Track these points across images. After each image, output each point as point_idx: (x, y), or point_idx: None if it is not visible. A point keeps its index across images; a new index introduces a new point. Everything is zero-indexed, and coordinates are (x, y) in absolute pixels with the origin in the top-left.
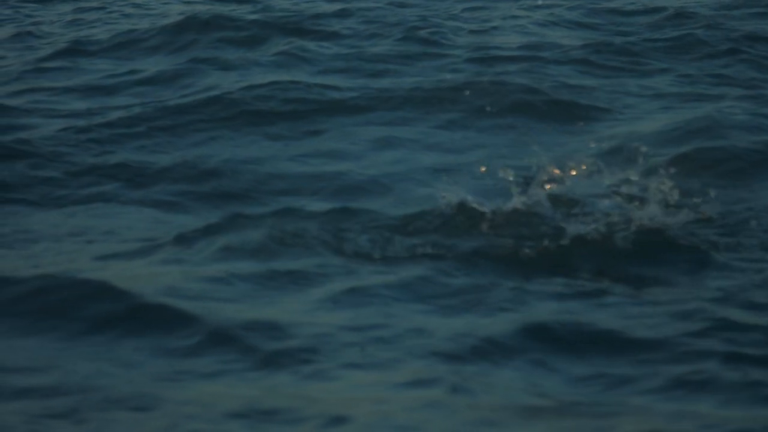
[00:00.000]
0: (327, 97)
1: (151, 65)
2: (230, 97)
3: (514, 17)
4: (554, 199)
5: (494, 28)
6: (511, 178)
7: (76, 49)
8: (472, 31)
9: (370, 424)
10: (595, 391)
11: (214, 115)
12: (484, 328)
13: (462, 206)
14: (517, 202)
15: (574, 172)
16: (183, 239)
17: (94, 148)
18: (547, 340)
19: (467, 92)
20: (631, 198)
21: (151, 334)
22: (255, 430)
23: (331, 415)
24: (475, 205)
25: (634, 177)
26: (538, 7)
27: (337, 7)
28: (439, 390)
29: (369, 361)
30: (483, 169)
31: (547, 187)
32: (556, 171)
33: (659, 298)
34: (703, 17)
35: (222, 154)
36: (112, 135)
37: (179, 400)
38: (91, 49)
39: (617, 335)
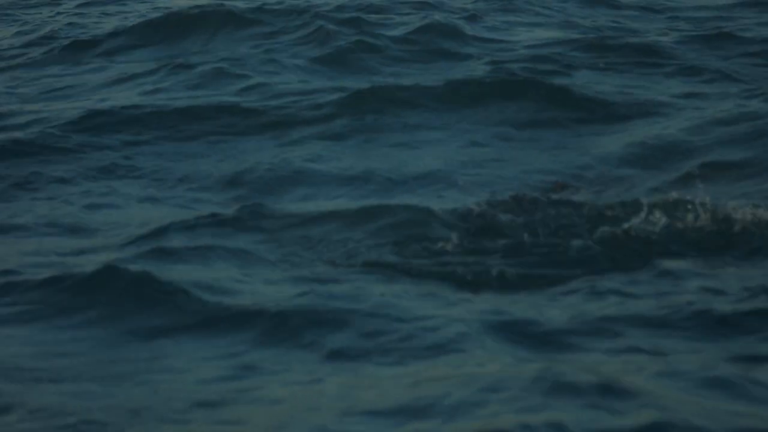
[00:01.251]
0: (347, 101)
1: (170, 63)
2: (250, 100)
3: (532, 13)
4: (585, 202)
5: (511, 23)
6: (546, 181)
7: (81, 46)
8: (488, 28)
9: (493, 408)
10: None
11: (237, 117)
12: (530, 319)
13: (493, 207)
14: (551, 204)
15: (609, 176)
16: (209, 238)
17: (110, 146)
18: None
19: (492, 94)
20: (672, 201)
21: (204, 331)
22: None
23: (447, 401)
24: (507, 207)
25: (676, 178)
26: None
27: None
28: (534, 375)
29: (431, 351)
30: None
31: (580, 190)
32: (589, 175)
33: (712, 298)
34: (715, 17)
35: (248, 157)
36: (132, 134)
37: (272, 398)
38: (104, 46)
39: (674, 323)
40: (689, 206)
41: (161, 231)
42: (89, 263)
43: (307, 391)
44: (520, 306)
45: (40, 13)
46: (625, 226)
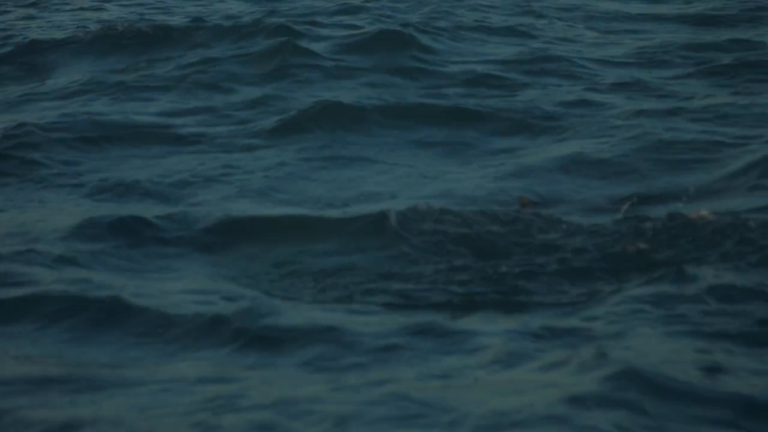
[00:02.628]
0: (287, 120)
1: (102, 80)
2: (184, 120)
3: (470, 27)
4: (550, 217)
5: (453, 35)
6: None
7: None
8: (432, 38)
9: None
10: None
11: (168, 136)
12: (514, 326)
13: (451, 225)
14: (516, 220)
15: (564, 194)
16: (166, 250)
17: (40, 162)
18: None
19: (435, 113)
20: (632, 216)
21: (176, 344)
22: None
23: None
24: (469, 224)
25: (631, 193)
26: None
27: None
28: (564, 372)
29: (407, 363)
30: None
31: (544, 206)
32: (548, 193)
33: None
34: (630, 30)
35: (185, 174)
36: (60, 151)
37: (258, 407)
38: (31, 60)
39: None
40: (648, 220)
41: (114, 246)
42: (42, 279)
43: (293, 401)
44: (500, 317)
45: None
46: (592, 240)
